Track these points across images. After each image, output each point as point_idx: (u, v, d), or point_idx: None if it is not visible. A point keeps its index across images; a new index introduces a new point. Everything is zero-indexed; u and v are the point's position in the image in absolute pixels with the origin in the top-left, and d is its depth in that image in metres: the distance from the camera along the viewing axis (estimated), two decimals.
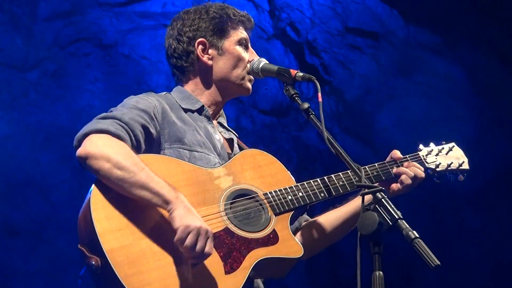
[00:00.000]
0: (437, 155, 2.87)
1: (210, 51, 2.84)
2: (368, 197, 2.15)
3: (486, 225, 6.89)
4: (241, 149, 2.86)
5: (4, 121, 6.24)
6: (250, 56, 2.84)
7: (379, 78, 7.06)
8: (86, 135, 2.44)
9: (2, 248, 6.18)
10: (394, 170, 2.75)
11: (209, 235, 2.28)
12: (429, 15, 6.79)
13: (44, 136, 6.42)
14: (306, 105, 2.51)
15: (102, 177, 2.37)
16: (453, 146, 2.93)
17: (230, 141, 2.85)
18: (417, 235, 1.97)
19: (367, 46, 7.00)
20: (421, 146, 2.91)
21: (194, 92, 2.85)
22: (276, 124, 7.09)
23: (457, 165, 2.89)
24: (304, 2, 6.91)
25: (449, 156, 2.89)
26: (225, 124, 2.93)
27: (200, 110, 2.80)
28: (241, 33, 2.85)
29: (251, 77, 2.82)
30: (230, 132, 2.91)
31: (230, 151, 2.79)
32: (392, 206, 2.05)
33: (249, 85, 2.83)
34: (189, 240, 2.24)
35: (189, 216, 2.28)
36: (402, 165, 2.77)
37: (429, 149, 2.90)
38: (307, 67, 6.97)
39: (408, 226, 2.01)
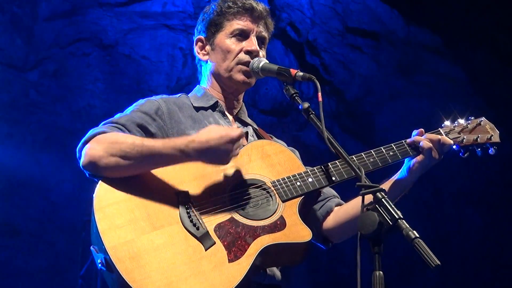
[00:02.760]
0: (461, 131, 2.81)
1: (206, 47, 2.84)
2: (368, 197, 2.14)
3: (486, 225, 6.90)
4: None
5: (4, 121, 6.25)
6: (248, 45, 2.75)
7: (379, 78, 7.06)
8: (84, 143, 2.47)
9: (2, 248, 6.20)
10: (408, 140, 2.73)
11: (224, 135, 2.37)
12: (429, 15, 6.79)
13: (44, 136, 6.43)
14: (306, 105, 2.49)
15: (113, 172, 2.41)
16: (482, 120, 2.85)
17: (246, 135, 2.82)
18: (417, 235, 1.95)
19: (367, 46, 7.01)
20: (446, 122, 2.85)
21: (208, 89, 2.87)
22: (276, 124, 7.10)
23: (485, 139, 2.80)
24: (304, 2, 6.92)
25: (476, 131, 2.81)
26: (244, 118, 2.90)
27: (213, 107, 2.80)
28: (237, 23, 2.78)
29: (243, 67, 2.73)
30: (248, 126, 2.88)
31: (246, 144, 2.75)
32: (392, 206, 2.04)
33: (240, 76, 2.75)
34: (225, 159, 2.38)
35: (204, 151, 2.37)
36: None
37: (452, 125, 2.84)
38: (307, 67, 6.98)
39: (408, 226, 1.99)
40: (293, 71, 2.56)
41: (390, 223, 2.00)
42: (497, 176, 6.67)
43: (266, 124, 7.04)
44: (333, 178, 2.61)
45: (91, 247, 2.38)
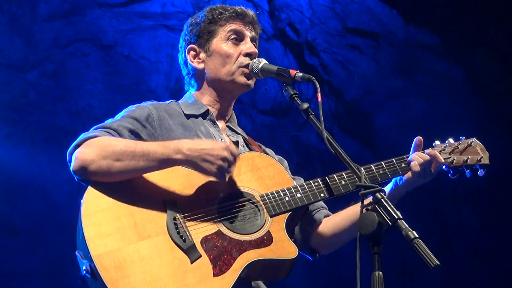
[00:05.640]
0: (452, 151, 2.81)
1: (201, 55, 2.83)
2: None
3: (486, 225, 6.90)
4: (251, 150, 2.83)
5: (3, 121, 6.24)
6: (247, 47, 2.79)
7: (379, 78, 7.06)
8: (75, 147, 2.46)
9: (2, 248, 6.19)
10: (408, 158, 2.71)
11: (217, 142, 2.47)
12: (429, 15, 6.79)
13: (43, 136, 6.42)
14: (305, 105, 2.50)
15: (105, 177, 2.40)
16: (472, 141, 2.85)
17: (236, 144, 2.82)
18: (417, 235, 1.96)
19: (367, 46, 7.00)
20: (436, 142, 2.85)
21: (199, 97, 2.85)
22: (276, 124, 7.09)
23: (475, 161, 2.80)
24: (303, 2, 6.91)
25: (466, 152, 2.81)
26: (234, 127, 2.90)
27: (204, 115, 2.80)
28: (231, 27, 2.81)
29: (245, 69, 2.76)
30: (238, 135, 2.88)
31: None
32: (392, 206, 2.05)
33: (243, 79, 2.77)
34: (219, 172, 2.40)
35: (197, 152, 2.38)
36: None
37: (443, 145, 2.83)
38: (306, 67, 6.97)
39: (407, 226, 2.00)
40: (292, 72, 2.56)
41: (390, 223, 2.01)
42: (496, 177, 6.67)
43: (266, 125, 7.04)
44: (322, 195, 2.61)
45: (76, 252, 2.36)
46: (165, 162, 2.42)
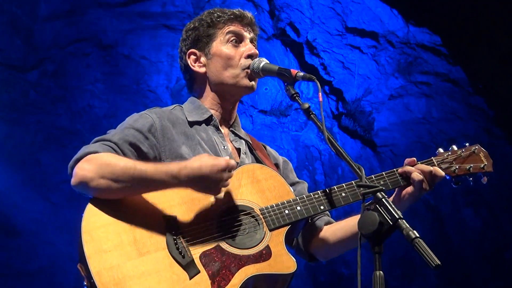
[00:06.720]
0: (455, 159, 2.76)
1: (201, 59, 2.82)
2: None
3: (486, 225, 6.90)
4: (254, 156, 2.82)
5: (4, 121, 6.24)
6: (248, 49, 2.77)
7: (379, 78, 7.06)
8: (76, 161, 2.47)
9: (2, 248, 6.19)
10: (400, 170, 2.68)
11: (216, 163, 2.38)
12: (429, 15, 6.79)
13: (44, 136, 6.42)
14: (306, 105, 2.49)
15: (103, 194, 2.41)
16: (476, 148, 2.81)
17: (238, 152, 2.80)
18: (417, 235, 1.96)
19: (367, 46, 7.01)
20: (440, 150, 2.81)
21: (203, 101, 2.84)
22: (276, 124, 7.10)
23: (478, 169, 2.77)
24: (303, 2, 6.91)
25: (469, 160, 2.77)
26: (238, 131, 2.88)
27: (208, 120, 2.78)
28: (229, 29, 2.80)
29: (248, 71, 2.74)
30: (241, 140, 2.86)
31: (239, 161, 2.74)
32: (393, 206, 2.05)
33: (246, 81, 2.75)
34: (216, 188, 2.40)
35: (196, 178, 2.37)
36: None
37: (446, 154, 2.78)
38: (307, 67, 6.97)
39: (408, 225, 2.00)
40: (293, 71, 2.56)
41: (391, 223, 2.01)
42: (496, 176, 6.67)
43: (266, 124, 7.04)
44: (321, 207, 2.60)
45: (78, 266, 2.37)
46: (162, 187, 2.42)
